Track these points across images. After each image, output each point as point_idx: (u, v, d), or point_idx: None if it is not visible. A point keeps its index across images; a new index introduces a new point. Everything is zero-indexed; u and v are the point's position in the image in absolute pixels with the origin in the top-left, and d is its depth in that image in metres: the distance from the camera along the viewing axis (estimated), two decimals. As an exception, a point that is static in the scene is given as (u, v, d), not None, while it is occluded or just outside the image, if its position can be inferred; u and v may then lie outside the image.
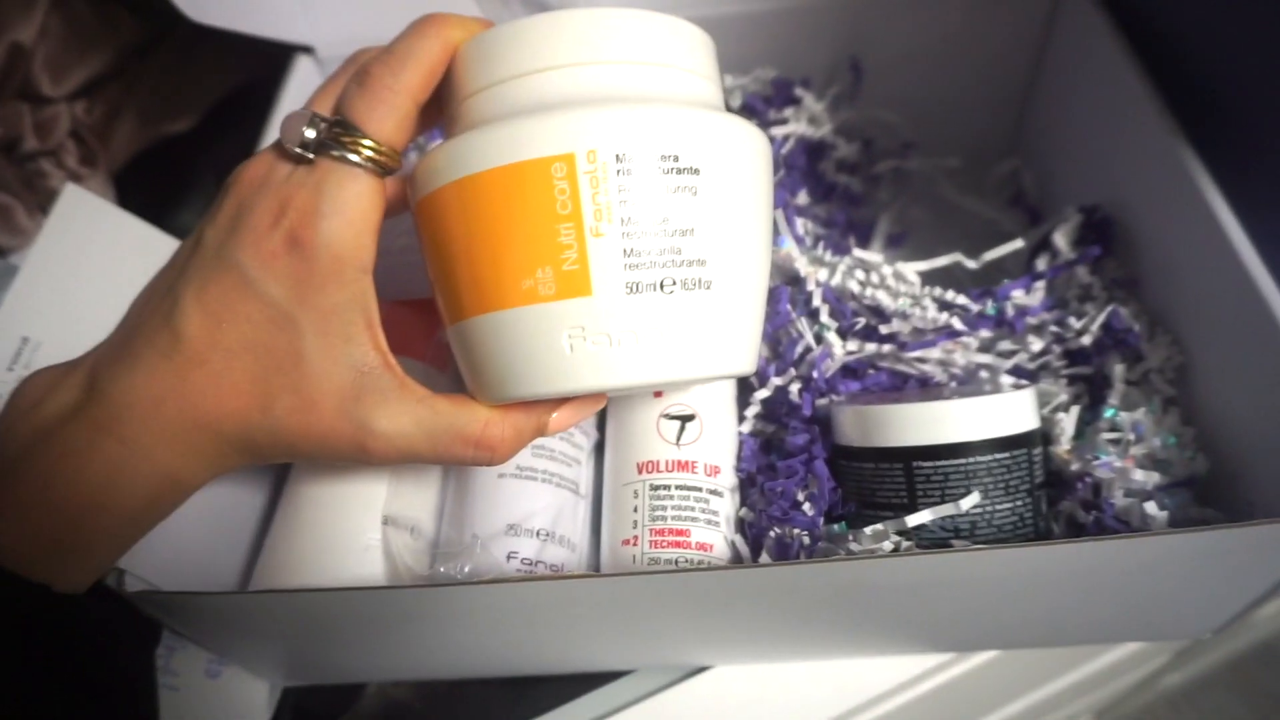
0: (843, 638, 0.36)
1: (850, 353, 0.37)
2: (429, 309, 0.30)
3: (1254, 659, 0.88)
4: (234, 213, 0.26)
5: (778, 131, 0.44)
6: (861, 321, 0.38)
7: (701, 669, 0.38)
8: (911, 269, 0.38)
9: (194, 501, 0.28)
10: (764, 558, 0.33)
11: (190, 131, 0.53)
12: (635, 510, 0.34)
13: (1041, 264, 0.40)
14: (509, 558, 0.33)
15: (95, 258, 0.38)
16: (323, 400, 0.26)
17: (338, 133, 0.26)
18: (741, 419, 0.36)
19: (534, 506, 0.34)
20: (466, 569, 0.32)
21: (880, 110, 0.47)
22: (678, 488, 0.34)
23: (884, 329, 0.37)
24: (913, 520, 0.31)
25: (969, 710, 0.49)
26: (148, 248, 0.39)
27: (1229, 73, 0.36)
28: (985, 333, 0.37)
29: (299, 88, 0.45)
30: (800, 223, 0.40)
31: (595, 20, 0.25)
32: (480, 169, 0.24)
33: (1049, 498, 0.34)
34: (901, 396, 0.35)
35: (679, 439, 0.34)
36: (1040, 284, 0.38)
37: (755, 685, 0.37)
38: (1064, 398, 0.37)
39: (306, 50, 0.46)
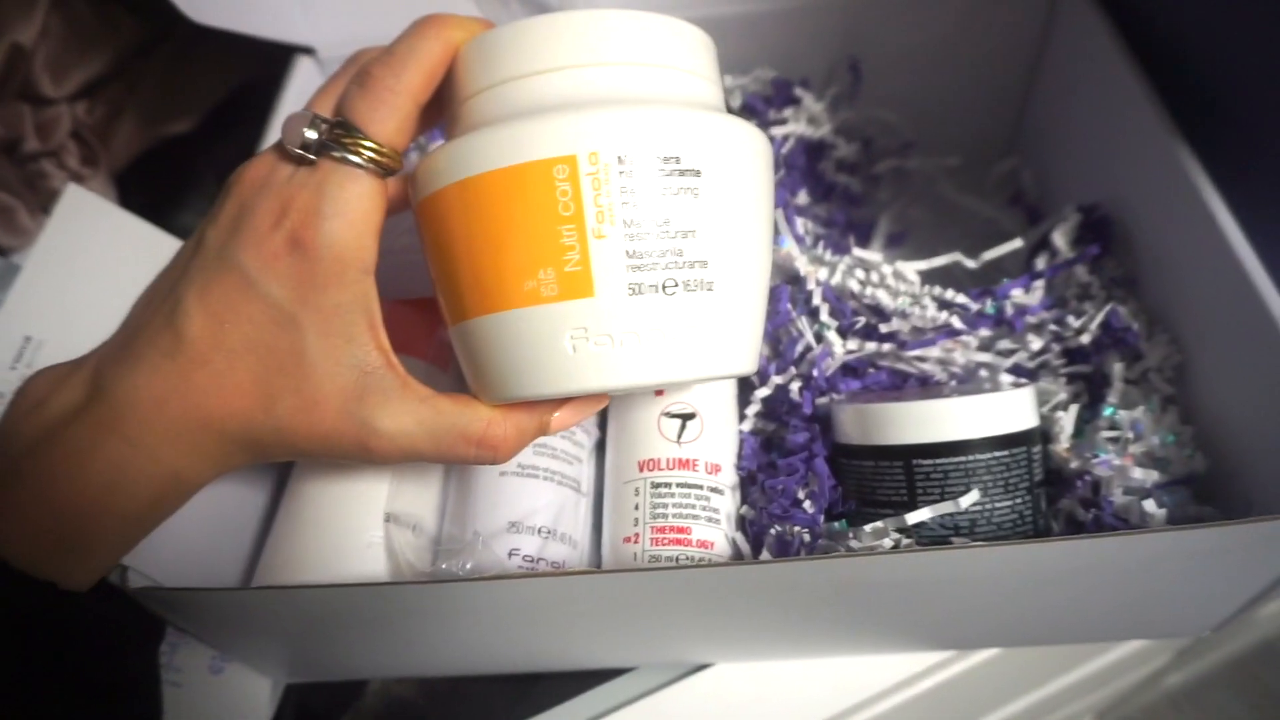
0: (843, 635, 0.36)
1: (850, 351, 0.37)
2: (430, 308, 0.30)
3: (1255, 658, 0.88)
4: (236, 213, 0.27)
5: (777, 131, 0.44)
6: (861, 320, 0.38)
7: (702, 666, 0.38)
8: (911, 268, 0.38)
9: (197, 499, 0.28)
10: (765, 555, 0.33)
11: (191, 132, 0.53)
12: (636, 508, 0.34)
13: (1040, 263, 0.40)
14: (511, 555, 0.33)
15: (97, 257, 0.39)
16: (325, 400, 0.26)
17: (339, 134, 0.26)
18: (742, 417, 0.36)
19: (535, 504, 0.34)
20: (468, 566, 0.32)
21: (879, 110, 0.48)
22: (679, 485, 0.34)
23: (884, 328, 0.37)
24: (913, 518, 0.31)
25: (970, 709, 0.49)
26: (149, 247, 0.40)
27: (1227, 72, 0.36)
28: (985, 331, 0.37)
29: (299, 88, 0.45)
30: (800, 222, 0.40)
31: (596, 21, 0.26)
32: (482, 170, 0.25)
33: (1048, 496, 0.34)
34: (901, 395, 0.35)
35: (680, 437, 0.35)
36: (1039, 283, 0.38)
37: (756, 683, 0.37)
38: (1063, 396, 0.37)
39: (307, 51, 0.46)
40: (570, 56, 0.25)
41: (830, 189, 0.47)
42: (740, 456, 0.36)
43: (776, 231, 0.39)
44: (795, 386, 0.36)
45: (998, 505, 0.32)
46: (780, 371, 0.36)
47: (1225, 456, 0.34)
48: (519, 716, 0.37)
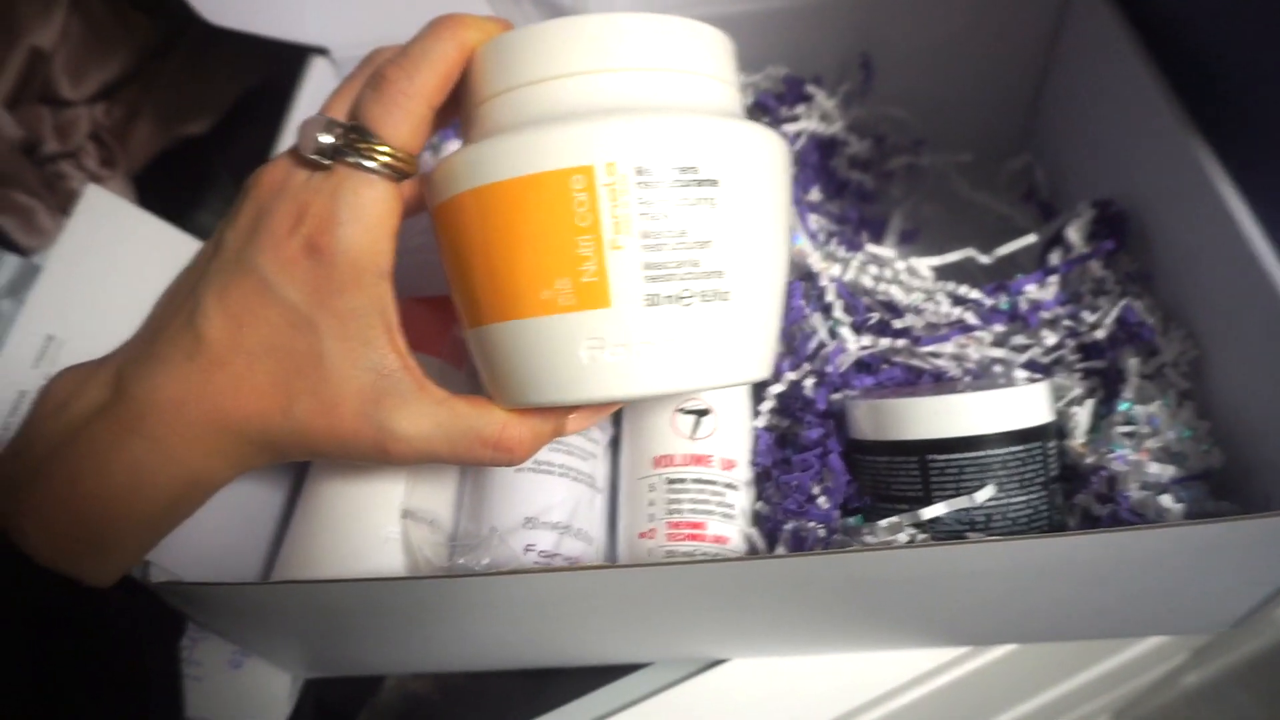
0: (858, 631, 0.36)
1: (864, 348, 0.37)
2: (445, 306, 0.30)
3: (1274, 658, 0.87)
4: (253, 217, 0.27)
5: (790, 129, 0.44)
6: (875, 316, 0.38)
7: (717, 662, 0.38)
8: (925, 264, 0.38)
9: (217, 496, 0.28)
10: (779, 550, 0.33)
11: (207, 133, 0.54)
12: (651, 504, 0.34)
13: (1055, 258, 0.40)
14: (527, 550, 0.33)
15: (116, 256, 0.39)
16: (343, 403, 0.26)
17: (353, 139, 0.26)
18: (756, 413, 0.36)
19: (551, 500, 0.34)
20: (485, 561, 0.33)
21: (892, 107, 0.47)
22: (694, 481, 0.34)
23: (897, 324, 0.37)
24: (928, 513, 0.31)
25: (985, 707, 0.49)
26: (167, 246, 0.40)
27: (1243, 65, 0.36)
28: (999, 327, 0.37)
29: (314, 89, 0.45)
30: (813, 219, 0.40)
31: (613, 25, 0.25)
32: (499, 178, 0.24)
33: (1064, 491, 0.34)
34: (915, 391, 0.35)
35: (694, 433, 0.35)
36: (1054, 278, 0.38)
37: (770, 678, 0.38)
38: (1078, 391, 0.37)
39: (321, 52, 0.47)
40: (587, 61, 0.25)
41: (843, 186, 0.47)
42: (755, 452, 0.36)
43: (790, 231, 0.39)
44: (809, 383, 0.36)
45: (1013, 500, 0.32)
46: (794, 368, 0.36)
47: (1243, 451, 0.34)
48: (534, 712, 0.38)
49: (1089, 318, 0.37)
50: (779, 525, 0.33)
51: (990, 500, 0.31)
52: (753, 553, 0.34)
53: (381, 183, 0.26)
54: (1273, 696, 0.87)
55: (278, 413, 0.26)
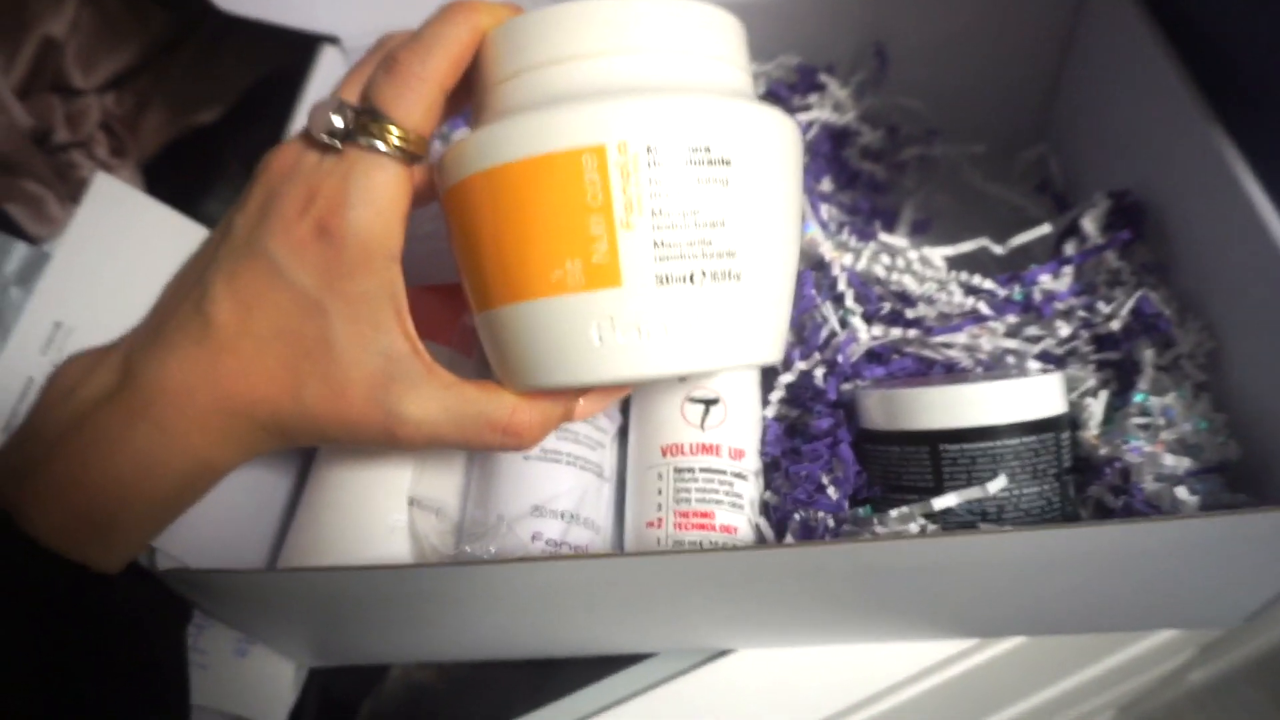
0: (866, 622, 0.36)
1: (875, 337, 0.37)
2: (455, 294, 0.30)
3: (1281, 656, 0.87)
4: (263, 201, 0.27)
5: (802, 118, 0.44)
6: (887, 306, 0.37)
7: (724, 652, 0.38)
8: (937, 254, 0.38)
9: (223, 482, 0.28)
10: (788, 540, 0.33)
11: (218, 122, 0.54)
12: (660, 493, 0.34)
13: (1070, 249, 0.39)
14: (534, 539, 0.33)
15: (125, 244, 0.39)
16: (352, 387, 0.26)
17: (365, 121, 0.26)
18: (766, 403, 0.36)
19: (558, 489, 0.34)
20: (492, 549, 0.33)
21: (905, 97, 0.47)
22: (702, 470, 0.34)
23: (909, 314, 0.37)
24: (939, 503, 0.31)
25: (991, 700, 0.49)
26: (176, 235, 0.40)
27: (1262, 54, 0.35)
28: (1012, 318, 0.37)
29: (325, 78, 0.45)
30: (824, 209, 0.40)
31: (625, 7, 0.25)
32: (510, 159, 0.24)
33: (1077, 483, 0.34)
34: (927, 381, 0.35)
35: (703, 422, 0.35)
36: (1068, 269, 0.38)
37: (778, 669, 0.37)
38: (1092, 383, 0.36)
39: (332, 40, 0.47)
40: (599, 43, 0.25)
41: (855, 176, 0.46)
42: (764, 442, 0.35)
43: (802, 217, 0.38)
44: (820, 372, 0.36)
45: (1025, 491, 0.31)
46: (805, 357, 0.36)
47: (1259, 444, 0.34)
48: (540, 702, 0.37)
49: (1104, 309, 0.37)
50: (788, 515, 0.33)
51: (1002, 491, 0.31)
52: (761, 542, 0.34)
53: (393, 165, 0.26)
54: (1280, 694, 0.87)
55: (287, 397, 0.26)
